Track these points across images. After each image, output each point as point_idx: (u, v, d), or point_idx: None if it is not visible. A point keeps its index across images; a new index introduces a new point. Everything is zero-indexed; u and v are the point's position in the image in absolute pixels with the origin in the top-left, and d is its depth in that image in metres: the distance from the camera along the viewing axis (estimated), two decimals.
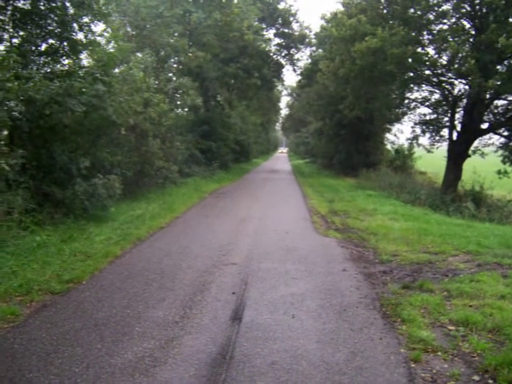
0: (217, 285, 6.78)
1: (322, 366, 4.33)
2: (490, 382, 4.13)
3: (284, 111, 72.27)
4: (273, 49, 36.83)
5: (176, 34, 24.36)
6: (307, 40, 36.23)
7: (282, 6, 35.28)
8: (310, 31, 36.04)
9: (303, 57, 74.30)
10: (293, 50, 37.18)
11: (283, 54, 37.61)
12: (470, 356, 4.63)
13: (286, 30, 35.91)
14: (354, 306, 6.00)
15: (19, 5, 11.06)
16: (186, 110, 27.89)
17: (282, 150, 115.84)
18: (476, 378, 4.21)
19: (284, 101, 76.37)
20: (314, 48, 36.56)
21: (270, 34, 36.37)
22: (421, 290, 6.62)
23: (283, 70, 38.72)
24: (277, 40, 36.91)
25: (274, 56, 37.27)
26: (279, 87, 49.30)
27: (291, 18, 35.51)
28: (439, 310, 5.80)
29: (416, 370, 4.32)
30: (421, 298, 6.20)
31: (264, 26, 34.35)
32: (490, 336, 5.06)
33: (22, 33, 11.34)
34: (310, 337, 4.98)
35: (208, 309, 5.75)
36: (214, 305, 5.90)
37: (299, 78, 38.91)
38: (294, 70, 38.19)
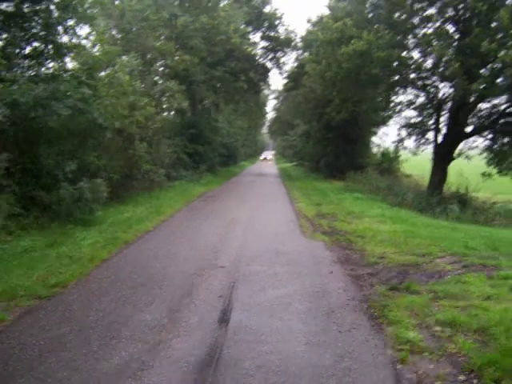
0: (205, 288, 6.76)
1: (309, 367, 4.33)
2: (476, 381, 4.16)
3: (271, 114, 72.35)
4: (259, 52, 36.89)
5: (162, 38, 24.33)
6: (293, 43, 36.33)
7: (267, 9, 35.38)
8: (296, 35, 36.17)
9: (289, 60, 74.49)
10: (279, 54, 37.24)
11: (269, 58, 37.65)
12: (456, 356, 4.67)
13: (272, 34, 35.97)
14: (342, 307, 6.02)
15: (2, 7, 10.98)
16: (173, 113, 27.87)
17: (266, 157, 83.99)
18: (462, 377, 4.24)
19: (271, 104, 76.42)
20: (300, 51, 36.69)
21: (256, 37, 36.46)
22: (408, 292, 6.65)
23: (270, 73, 38.77)
24: (263, 43, 37.01)
25: (261, 59, 37.31)
26: (266, 91, 49.39)
27: (277, 22, 35.57)
28: (426, 312, 5.82)
29: (403, 371, 4.34)
30: (407, 299, 6.23)
31: (250, 29, 34.37)
32: (476, 336, 5.09)
33: (5, 35, 11.27)
34: (298, 339, 4.98)
35: (196, 312, 5.74)
36: (201, 308, 5.88)
37: (286, 81, 38.99)
38: (281, 73, 38.26)
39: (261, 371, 4.24)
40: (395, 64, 20.06)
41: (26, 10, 11.26)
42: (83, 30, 12.76)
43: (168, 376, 4.12)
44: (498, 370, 4.21)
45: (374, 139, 35.11)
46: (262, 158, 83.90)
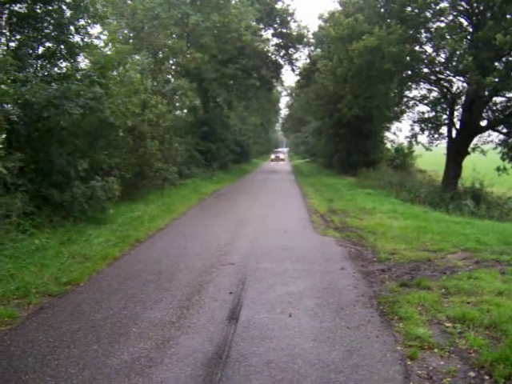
0: (214, 285, 6.79)
1: (317, 364, 4.33)
2: (486, 377, 4.13)
3: (284, 111, 72.21)
4: (271, 49, 36.83)
5: (174, 36, 24.39)
6: (305, 40, 36.20)
7: (279, 5, 35.26)
8: (308, 31, 36.03)
9: (301, 57, 74.16)
10: (291, 50, 37.12)
11: (281, 54, 37.57)
12: (467, 352, 4.63)
13: (284, 30, 35.85)
14: (352, 304, 6.00)
15: (16, 8, 11.07)
16: (185, 111, 27.95)
17: (278, 155, 67.30)
18: (472, 374, 4.21)
19: (283, 101, 75.73)
20: (312, 48, 36.58)
21: (267, 34, 36.39)
22: (418, 288, 6.61)
23: (282, 70, 38.69)
24: (275, 40, 36.93)
25: (273, 56, 37.24)
26: (278, 88, 49.33)
27: (289, 18, 35.46)
28: (436, 308, 5.79)
29: (412, 367, 4.32)
30: (418, 295, 6.18)
31: (262, 26, 34.33)
32: (487, 332, 5.05)
33: (18, 36, 11.36)
34: (307, 335, 4.98)
35: (205, 309, 5.76)
36: (211, 305, 5.91)
37: (298, 78, 38.86)
38: (293, 70, 38.12)
39: (268, 367, 4.24)
40: (407, 59, 19.86)
41: (38, 11, 11.34)
42: (95, 29, 12.77)
43: (176, 372, 4.14)
44: (509, 367, 4.17)
45: (388, 135, 34.86)
46: (272, 157, 67.60)
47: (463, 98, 21.25)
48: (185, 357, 4.44)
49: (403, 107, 25.37)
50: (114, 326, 5.17)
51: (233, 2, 28.40)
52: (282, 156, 68.13)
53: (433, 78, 21.71)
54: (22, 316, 5.44)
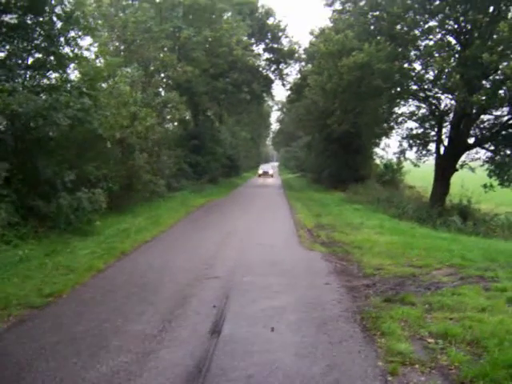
0: (198, 298, 6.75)
1: (297, 379, 4.30)
2: None
3: (274, 126, 72.45)
4: (262, 64, 37.10)
5: (165, 49, 24.52)
6: (296, 55, 36.51)
7: (271, 21, 35.63)
8: (299, 46, 36.36)
9: (292, 72, 74.74)
10: (282, 65, 37.45)
11: (272, 69, 37.88)
12: (448, 369, 4.62)
13: (276, 45, 36.20)
14: (335, 319, 5.98)
15: (6, 19, 11.09)
16: (176, 124, 27.99)
17: (266, 171, 60.14)
18: None
19: (274, 116, 75.86)
20: (303, 63, 36.86)
21: (259, 49, 36.72)
22: (402, 303, 6.60)
23: (273, 84, 38.96)
24: (266, 55, 37.25)
25: (264, 71, 37.50)
26: (269, 102, 49.59)
27: (280, 34, 35.86)
28: (419, 323, 5.77)
29: (392, 383, 4.30)
30: (402, 311, 6.17)
31: (253, 41, 34.63)
32: (469, 349, 5.04)
33: (8, 46, 11.37)
34: (288, 350, 4.95)
35: (187, 322, 5.72)
36: (193, 318, 5.86)
37: (289, 93, 39.12)
38: (284, 85, 38.41)
39: (248, 382, 4.20)
40: (397, 76, 20.09)
41: (28, 22, 11.37)
42: (85, 41, 12.84)
43: None
44: (488, 383, 4.17)
45: (377, 150, 35.10)
46: (260, 172, 60.48)
47: (451, 115, 21.50)
48: (164, 370, 4.40)
49: (392, 123, 25.57)
50: (94, 339, 5.11)
51: (225, 17, 28.63)
52: (271, 172, 60.91)
53: (421, 94, 21.97)
54: (1, 328, 5.37)
